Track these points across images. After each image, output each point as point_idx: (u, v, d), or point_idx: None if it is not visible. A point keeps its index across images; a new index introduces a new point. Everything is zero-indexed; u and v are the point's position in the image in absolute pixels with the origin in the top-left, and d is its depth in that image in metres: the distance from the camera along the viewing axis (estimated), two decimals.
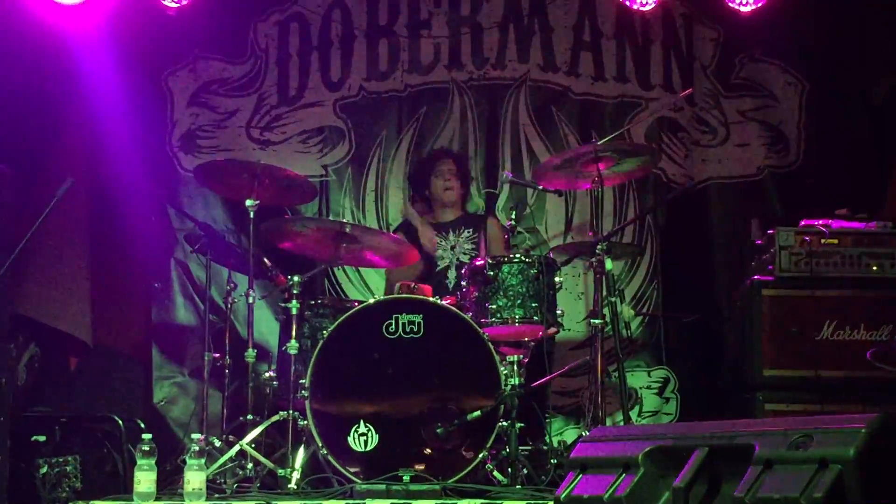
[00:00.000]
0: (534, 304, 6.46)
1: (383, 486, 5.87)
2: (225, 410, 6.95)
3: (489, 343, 6.25)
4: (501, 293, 6.46)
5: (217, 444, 6.54)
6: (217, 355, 6.97)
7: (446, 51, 8.52)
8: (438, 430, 6.12)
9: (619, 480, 4.23)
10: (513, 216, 6.93)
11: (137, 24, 8.16)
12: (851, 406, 6.74)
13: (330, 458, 6.17)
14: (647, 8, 8.19)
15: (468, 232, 7.71)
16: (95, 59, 7.98)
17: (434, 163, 7.88)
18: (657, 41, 8.49)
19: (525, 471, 6.27)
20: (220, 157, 8.23)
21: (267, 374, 6.76)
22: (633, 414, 7.94)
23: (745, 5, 8.11)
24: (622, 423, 6.84)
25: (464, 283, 6.64)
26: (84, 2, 7.88)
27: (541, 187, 7.42)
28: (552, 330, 6.60)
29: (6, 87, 7.65)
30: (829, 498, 3.66)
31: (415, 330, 6.30)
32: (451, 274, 7.63)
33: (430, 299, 6.45)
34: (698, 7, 8.46)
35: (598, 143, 6.72)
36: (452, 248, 7.66)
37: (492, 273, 6.48)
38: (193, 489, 5.54)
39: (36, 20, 7.82)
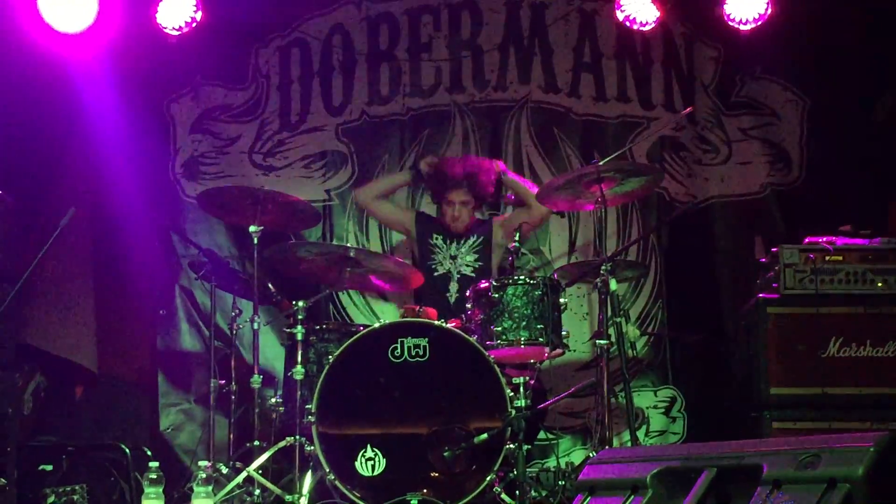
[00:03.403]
0: (539, 326, 6.44)
1: None
2: (231, 437, 6.95)
3: (495, 365, 6.24)
4: (506, 315, 6.44)
5: (224, 470, 6.54)
6: (223, 381, 6.98)
7: (447, 74, 8.53)
8: (446, 454, 6.11)
9: (628, 502, 4.23)
10: (516, 238, 6.91)
11: (138, 52, 8.17)
12: (859, 423, 6.72)
13: (337, 483, 6.16)
14: (648, 28, 8.18)
15: (473, 238, 7.64)
16: (97, 88, 7.99)
17: (445, 192, 7.69)
18: (658, 61, 8.50)
19: (533, 493, 6.27)
20: (223, 183, 8.25)
21: (273, 400, 6.75)
22: (640, 434, 7.93)
23: (745, 24, 8.11)
24: (629, 444, 6.84)
25: (469, 306, 6.63)
26: (85, 31, 7.88)
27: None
28: (557, 351, 6.59)
29: (8, 116, 7.67)
30: None
31: (420, 354, 6.30)
32: (453, 287, 7.55)
33: (436, 323, 6.45)
34: (698, 26, 8.47)
35: (601, 163, 6.72)
36: (453, 258, 7.59)
37: (497, 295, 6.46)
38: None
39: (37, 49, 7.83)
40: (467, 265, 7.58)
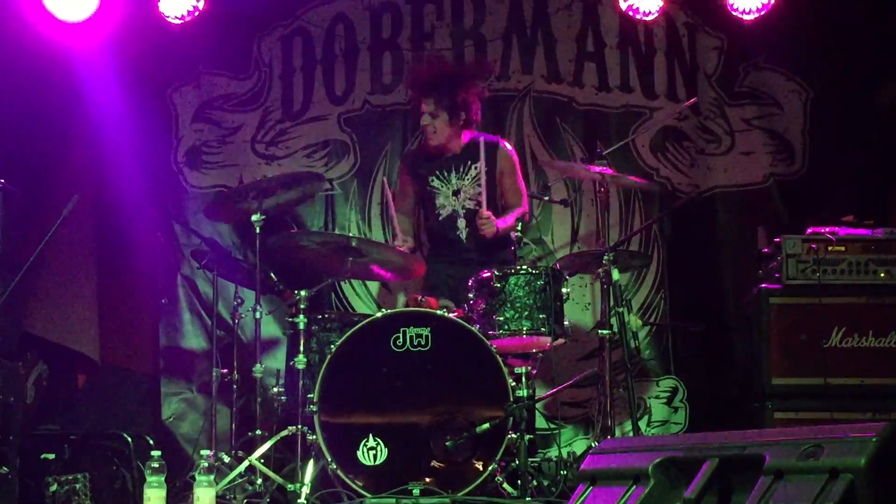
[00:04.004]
0: (541, 316, 6.44)
1: (393, 500, 5.87)
2: (233, 426, 6.95)
3: (497, 355, 6.24)
4: (508, 305, 6.44)
5: (226, 459, 6.55)
6: (225, 371, 6.98)
7: None
8: (447, 443, 6.11)
9: (630, 492, 4.23)
10: (518, 227, 6.90)
11: (141, 40, 8.17)
12: (861, 414, 6.72)
13: (339, 472, 6.16)
14: (650, 17, 8.18)
15: (475, 169, 7.34)
16: (100, 76, 8.00)
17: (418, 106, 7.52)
18: (661, 50, 8.48)
19: (535, 482, 6.27)
20: (225, 172, 8.29)
21: (275, 389, 6.75)
22: (642, 424, 7.93)
23: (748, 13, 8.11)
24: (631, 434, 6.84)
25: (471, 295, 6.62)
26: (87, 19, 7.89)
27: (546, 198, 7.44)
28: (559, 341, 6.59)
29: (11, 105, 7.67)
30: None
31: (422, 343, 6.30)
32: (461, 224, 7.36)
33: (438, 312, 6.45)
34: (701, 16, 8.45)
35: (604, 153, 6.72)
36: (456, 194, 7.50)
37: (499, 285, 6.46)
38: None
39: (40, 38, 7.84)
40: (471, 199, 7.38)
